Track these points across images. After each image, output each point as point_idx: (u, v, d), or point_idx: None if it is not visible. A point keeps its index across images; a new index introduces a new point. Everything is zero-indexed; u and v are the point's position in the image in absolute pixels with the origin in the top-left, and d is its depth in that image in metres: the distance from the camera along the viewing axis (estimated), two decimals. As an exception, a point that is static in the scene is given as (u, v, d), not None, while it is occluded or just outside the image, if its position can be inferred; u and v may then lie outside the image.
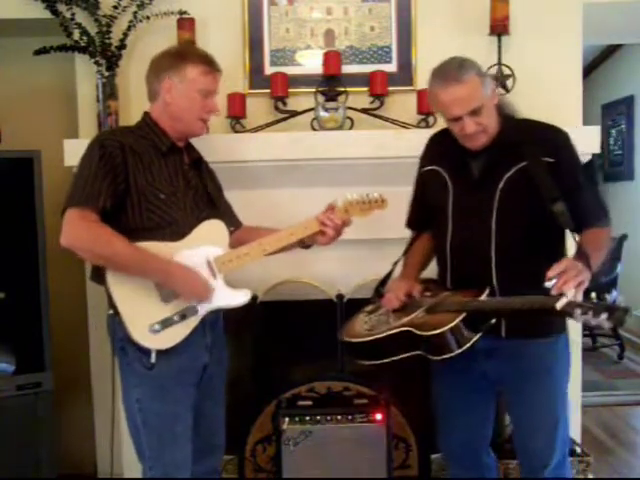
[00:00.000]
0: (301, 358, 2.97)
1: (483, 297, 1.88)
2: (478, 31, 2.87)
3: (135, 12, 2.81)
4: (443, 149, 2.07)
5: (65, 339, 2.93)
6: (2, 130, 2.81)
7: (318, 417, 2.56)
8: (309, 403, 2.65)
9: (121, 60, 2.83)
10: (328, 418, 2.56)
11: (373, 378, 2.77)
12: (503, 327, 1.94)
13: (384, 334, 1.94)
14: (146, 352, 1.90)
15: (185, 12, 2.81)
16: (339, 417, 2.56)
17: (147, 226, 1.92)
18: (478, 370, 2.01)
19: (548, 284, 1.68)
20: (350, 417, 2.56)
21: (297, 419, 2.56)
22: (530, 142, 1.91)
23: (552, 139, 1.95)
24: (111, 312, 1.94)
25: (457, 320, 1.80)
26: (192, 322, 1.93)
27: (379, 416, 2.56)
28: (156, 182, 1.94)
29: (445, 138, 2.06)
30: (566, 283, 1.65)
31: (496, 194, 1.92)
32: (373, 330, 2.01)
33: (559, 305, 1.64)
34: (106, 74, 2.82)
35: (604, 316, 1.58)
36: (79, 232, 1.85)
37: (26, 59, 2.88)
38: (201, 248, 1.96)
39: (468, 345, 1.80)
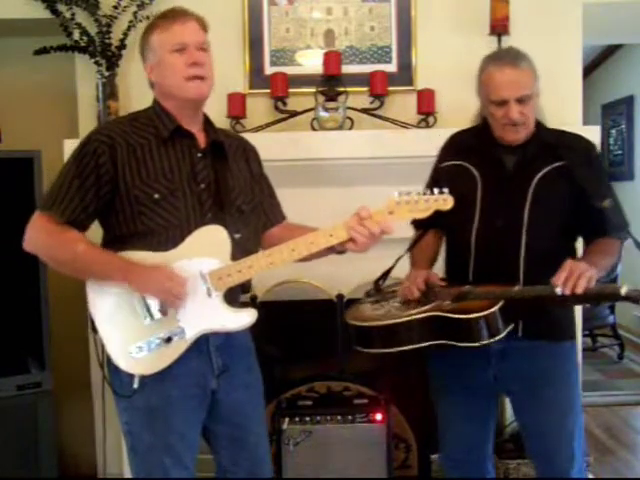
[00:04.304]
0: (301, 358, 2.96)
1: (517, 288, 1.82)
2: (478, 31, 2.87)
3: (135, 12, 2.82)
4: (470, 146, 2.04)
5: (65, 339, 2.93)
6: (2, 130, 2.81)
7: (318, 417, 2.56)
8: (309, 403, 2.64)
9: (121, 60, 2.84)
10: (328, 418, 2.56)
11: (373, 378, 2.78)
12: (520, 326, 1.89)
13: (410, 318, 1.81)
14: (129, 376, 1.70)
15: (185, 12, 2.81)
16: (339, 417, 2.56)
17: (140, 231, 1.70)
18: (489, 373, 1.96)
19: (558, 290, 1.68)
20: (350, 417, 2.56)
21: (297, 419, 2.56)
22: (567, 147, 1.93)
23: (587, 149, 1.99)
24: (91, 331, 1.75)
25: (497, 307, 1.74)
26: (181, 345, 1.70)
27: (379, 416, 2.56)
28: (151, 179, 1.70)
29: (469, 137, 2.06)
30: (576, 286, 1.67)
31: (531, 187, 1.90)
32: (389, 317, 1.87)
33: (624, 291, 1.63)
34: (106, 74, 2.83)
35: None
36: (41, 236, 1.73)
37: (26, 59, 2.89)
38: (194, 260, 1.70)
39: (501, 336, 1.75)
